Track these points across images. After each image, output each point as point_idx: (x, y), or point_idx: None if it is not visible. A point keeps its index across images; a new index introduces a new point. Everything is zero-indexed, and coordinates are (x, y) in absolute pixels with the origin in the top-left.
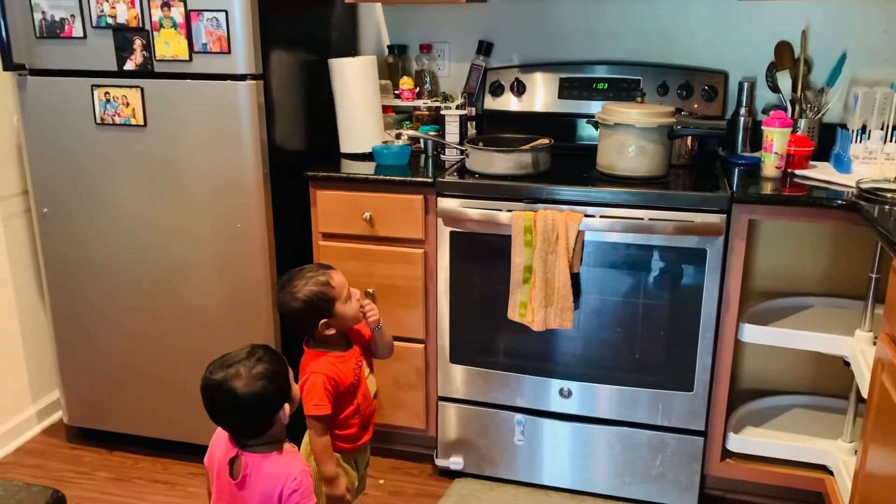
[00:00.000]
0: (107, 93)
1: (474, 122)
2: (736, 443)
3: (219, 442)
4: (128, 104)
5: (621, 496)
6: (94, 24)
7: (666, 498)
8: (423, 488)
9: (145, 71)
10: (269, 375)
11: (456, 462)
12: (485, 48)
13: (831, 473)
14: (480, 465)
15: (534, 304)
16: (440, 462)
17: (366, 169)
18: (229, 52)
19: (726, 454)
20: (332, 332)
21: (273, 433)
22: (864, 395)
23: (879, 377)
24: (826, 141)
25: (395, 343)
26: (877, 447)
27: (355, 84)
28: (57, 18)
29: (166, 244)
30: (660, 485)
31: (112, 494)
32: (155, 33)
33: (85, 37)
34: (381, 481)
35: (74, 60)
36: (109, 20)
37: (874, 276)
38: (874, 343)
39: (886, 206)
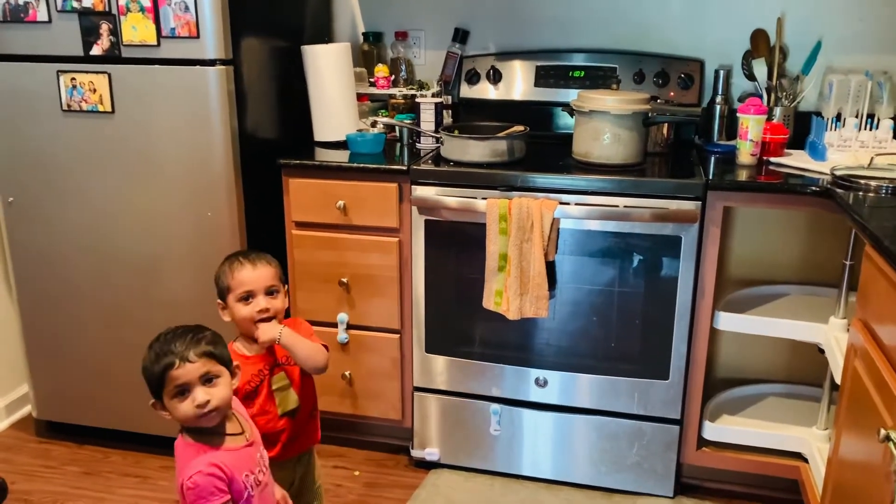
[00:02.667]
0: (73, 79)
1: (450, 111)
2: (712, 431)
3: None
4: (95, 90)
5: (598, 485)
6: (59, 7)
7: (642, 487)
8: (399, 479)
9: (112, 56)
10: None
11: (432, 453)
12: (461, 36)
13: (806, 461)
14: (457, 455)
15: (509, 292)
16: (416, 453)
17: (340, 157)
18: (198, 36)
19: (702, 443)
20: (226, 316)
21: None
22: (838, 381)
23: (852, 363)
24: (801, 129)
25: (371, 334)
26: (849, 433)
27: (329, 71)
28: (21, 2)
29: (136, 233)
30: (636, 474)
31: (82, 488)
32: (122, 17)
33: (50, 21)
34: (357, 473)
35: (39, 45)
36: (75, 4)
37: (848, 262)
38: (848, 330)
39: (860, 193)
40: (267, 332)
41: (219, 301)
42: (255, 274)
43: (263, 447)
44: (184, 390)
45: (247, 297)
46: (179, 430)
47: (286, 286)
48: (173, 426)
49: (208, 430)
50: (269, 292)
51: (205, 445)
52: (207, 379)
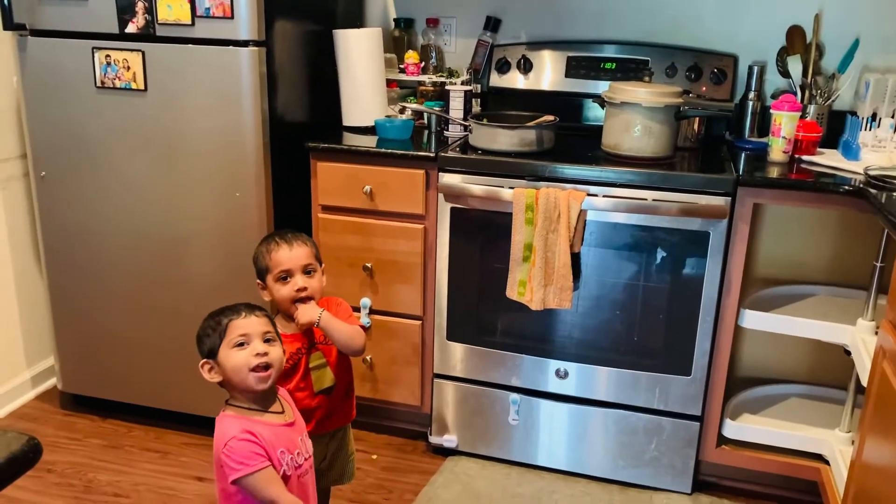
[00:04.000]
0: (108, 56)
1: (479, 100)
2: (732, 429)
3: None
4: (129, 68)
5: (615, 479)
6: None
7: (660, 482)
8: (416, 465)
9: (147, 34)
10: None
11: (450, 440)
12: (492, 24)
13: (827, 463)
14: (474, 443)
15: (533, 282)
16: (434, 439)
17: (368, 142)
18: (232, 17)
19: (722, 440)
20: (266, 296)
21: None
22: (865, 383)
23: (880, 365)
24: (835, 128)
25: (393, 319)
26: (875, 436)
27: (360, 56)
28: None
29: (164, 210)
30: (654, 469)
31: (104, 461)
32: None
33: None
34: (374, 456)
35: (76, 22)
36: None
37: (879, 264)
38: (876, 332)
39: (895, 194)
40: (306, 314)
41: (258, 282)
42: (292, 254)
43: (307, 435)
44: (243, 343)
45: (284, 277)
46: (225, 401)
47: (323, 266)
48: (196, 403)
49: (250, 401)
50: (307, 271)
51: (243, 416)
52: (266, 339)
